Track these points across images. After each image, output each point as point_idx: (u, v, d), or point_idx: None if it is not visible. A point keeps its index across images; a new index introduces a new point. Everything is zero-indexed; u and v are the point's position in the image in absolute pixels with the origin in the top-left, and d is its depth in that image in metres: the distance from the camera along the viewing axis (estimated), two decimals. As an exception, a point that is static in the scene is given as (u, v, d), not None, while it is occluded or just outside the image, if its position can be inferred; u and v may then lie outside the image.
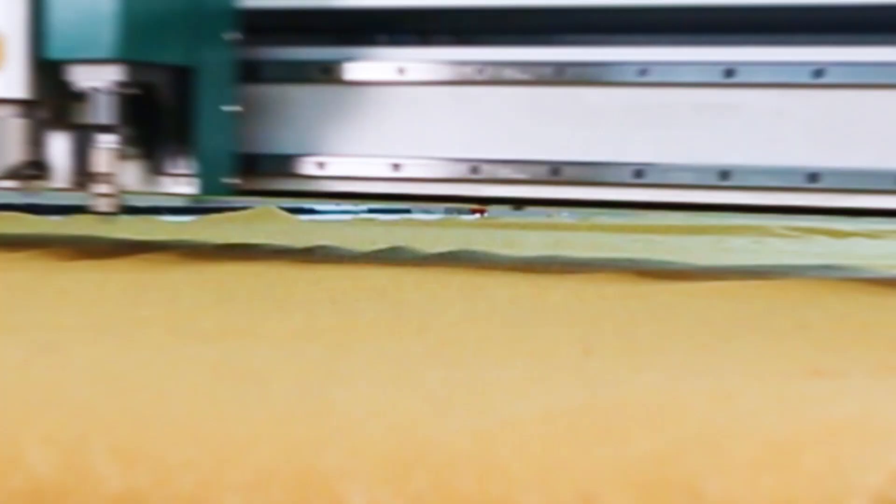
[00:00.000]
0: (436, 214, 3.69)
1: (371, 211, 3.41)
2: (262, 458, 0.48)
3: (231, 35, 1.08)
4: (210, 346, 0.76)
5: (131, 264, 1.12)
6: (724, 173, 1.18)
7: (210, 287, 1.00)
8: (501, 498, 0.48)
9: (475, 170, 1.11)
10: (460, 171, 1.10)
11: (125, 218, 2.07)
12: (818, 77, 1.16)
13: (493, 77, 1.11)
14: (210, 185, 1.06)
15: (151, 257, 1.15)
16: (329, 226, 2.45)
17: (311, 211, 2.93)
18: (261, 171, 1.11)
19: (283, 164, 1.09)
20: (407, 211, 3.49)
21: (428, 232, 2.60)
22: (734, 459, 0.46)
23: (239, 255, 1.29)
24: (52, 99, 1.02)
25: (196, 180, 1.06)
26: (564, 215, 4.05)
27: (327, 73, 1.06)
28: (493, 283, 1.09)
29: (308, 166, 1.10)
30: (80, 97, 1.02)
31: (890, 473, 0.44)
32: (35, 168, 1.02)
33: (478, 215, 3.72)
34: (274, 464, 0.47)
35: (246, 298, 0.97)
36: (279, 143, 1.10)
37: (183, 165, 1.06)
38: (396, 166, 1.09)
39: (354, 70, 1.09)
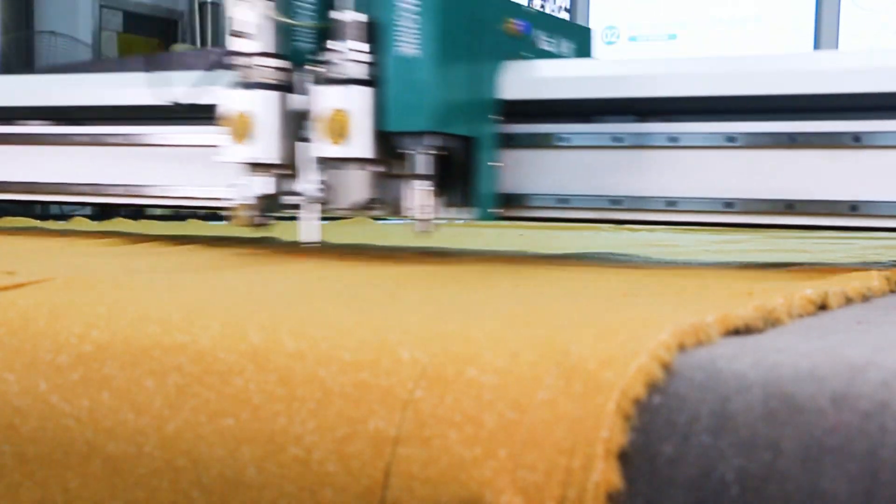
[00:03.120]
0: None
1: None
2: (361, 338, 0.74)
3: (495, 117, 1.50)
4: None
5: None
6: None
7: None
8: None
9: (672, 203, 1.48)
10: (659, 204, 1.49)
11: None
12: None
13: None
14: (482, 214, 1.48)
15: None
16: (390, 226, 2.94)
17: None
18: (511, 205, 1.54)
19: (522, 200, 1.54)
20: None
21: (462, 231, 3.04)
22: (580, 331, 0.70)
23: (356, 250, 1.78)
24: (382, 158, 1.43)
25: (474, 210, 1.48)
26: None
27: (545, 141, 1.52)
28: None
29: (546, 200, 1.54)
30: (400, 156, 1.42)
31: (652, 349, 0.64)
32: (372, 203, 1.45)
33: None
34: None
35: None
36: (523, 186, 1.54)
37: (465, 201, 1.49)
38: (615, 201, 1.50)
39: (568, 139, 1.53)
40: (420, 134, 1.38)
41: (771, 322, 0.80)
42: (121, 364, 0.78)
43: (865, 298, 1.05)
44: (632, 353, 0.64)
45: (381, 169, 1.43)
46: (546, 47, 1.63)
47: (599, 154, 1.49)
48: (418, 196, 1.40)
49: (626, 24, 6.29)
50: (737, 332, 0.74)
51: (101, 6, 6.96)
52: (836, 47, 5.66)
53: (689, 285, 1.13)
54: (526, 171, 1.52)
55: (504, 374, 0.66)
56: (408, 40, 1.38)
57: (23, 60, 6.68)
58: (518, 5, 1.57)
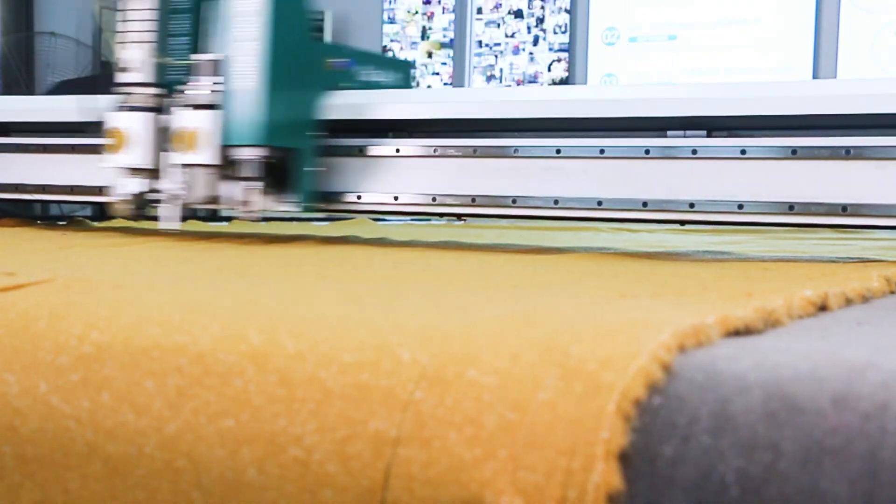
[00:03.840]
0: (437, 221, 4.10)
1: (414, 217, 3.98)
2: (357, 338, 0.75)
3: (317, 132, 1.90)
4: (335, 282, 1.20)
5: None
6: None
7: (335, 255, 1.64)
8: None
9: (434, 199, 1.90)
10: (425, 199, 1.91)
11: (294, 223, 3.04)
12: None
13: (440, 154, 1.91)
14: (304, 207, 1.89)
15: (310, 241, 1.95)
16: (391, 226, 3.31)
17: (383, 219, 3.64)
18: (327, 200, 1.96)
19: (335, 197, 1.96)
20: (428, 218, 4.03)
21: (440, 230, 3.19)
22: (580, 332, 0.71)
23: (345, 242, 2.01)
24: (223, 164, 1.82)
25: (297, 205, 1.88)
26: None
27: (358, 151, 1.96)
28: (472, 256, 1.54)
29: (349, 197, 1.99)
30: (237, 162, 1.83)
31: (652, 351, 0.64)
32: (213, 199, 1.83)
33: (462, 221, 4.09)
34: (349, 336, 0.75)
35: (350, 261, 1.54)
36: (334, 186, 1.96)
37: (291, 197, 1.89)
38: (396, 197, 1.93)
39: (369, 150, 1.97)
40: (252, 146, 1.80)
41: (771, 323, 0.80)
42: (121, 365, 0.79)
43: (865, 299, 1.05)
44: (632, 354, 0.64)
45: (222, 173, 1.84)
46: (371, 78, 2.08)
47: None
48: (246, 193, 1.81)
49: (626, 24, 6.29)
50: (737, 333, 0.75)
51: (101, 7, 6.96)
52: (836, 48, 5.66)
53: (689, 286, 1.13)
54: (345, 173, 1.94)
55: (504, 375, 0.66)
56: (245, 76, 1.81)
57: (23, 61, 6.68)
58: (341, 47, 2.06)
